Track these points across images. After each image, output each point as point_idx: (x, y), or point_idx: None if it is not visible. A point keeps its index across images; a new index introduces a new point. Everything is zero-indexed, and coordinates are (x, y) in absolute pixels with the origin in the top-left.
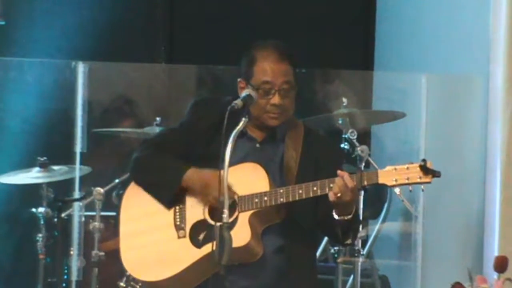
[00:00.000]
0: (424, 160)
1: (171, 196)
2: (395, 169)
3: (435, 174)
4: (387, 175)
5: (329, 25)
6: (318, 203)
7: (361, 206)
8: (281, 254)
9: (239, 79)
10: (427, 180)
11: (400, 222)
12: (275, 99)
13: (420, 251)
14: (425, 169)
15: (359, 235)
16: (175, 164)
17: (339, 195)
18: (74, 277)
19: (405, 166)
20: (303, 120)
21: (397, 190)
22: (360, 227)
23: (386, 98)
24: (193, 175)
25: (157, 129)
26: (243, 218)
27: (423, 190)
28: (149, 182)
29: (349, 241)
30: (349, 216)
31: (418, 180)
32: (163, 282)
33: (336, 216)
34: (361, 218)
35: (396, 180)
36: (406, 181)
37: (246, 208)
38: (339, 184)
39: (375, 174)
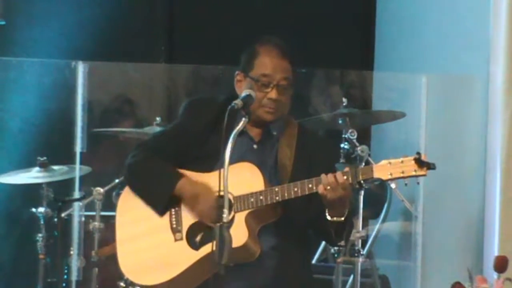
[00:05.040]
0: (418, 153)
1: (163, 203)
2: (390, 163)
3: (429, 166)
4: (382, 169)
5: (329, 25)
6: (312, 203)
7: (361, 206)
8: (277, 253)
9: (237, 72)
10: (422, 173)
11: (400, 222)
12: (273, 94)
13: (420, 251)
14: (420, 162)
15: (358, 235)
16: (168, 172)
17: (328, 187)
18: (74, 277)
19: (400, 160)
20: (303, 120)
21: (393, 184)
22: (361, 225)
23: (386, 98)
24: (185, 184)
25: (157, 129)
26: (240, 218)
27: (418, 183)
28: (142, 189)
29: (342, 242)
30: (342, 218)
31: (413, 173)
32: (161, 285)
33: (328, 217)
34: (361, 217)
35: (391, 174)
36: (401, 175)
37: (242, 208)
38: (330, 178)
39: (370, 168)
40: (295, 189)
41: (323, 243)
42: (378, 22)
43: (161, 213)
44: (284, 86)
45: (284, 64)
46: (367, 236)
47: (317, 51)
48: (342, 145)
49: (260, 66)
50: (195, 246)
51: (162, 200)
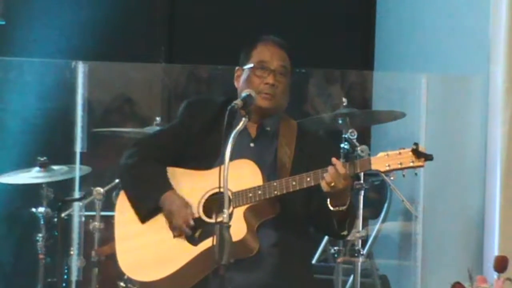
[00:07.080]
0: (416, 144)
1: (145, 213)
2: (387, 155)
3: (427, 157)
4: (379, 161)
5: (329, 25)
6: (312, 197)
7: (361, 206)
8: (276, 250)
9: (236, 68)
10: (420, 164)
11: (400, 222)
12: (270, 79)
13: (420, 251)
14: (417, 153)
15: (359, 235)
16: (157, 182)
17: (332, 184)
18: (74, 277)
19: (397, 152)
20: (304, 120)
21: (391, 177)
22: (361, 225)
23: (386, 98)
24: (167, 199)
25: (157, 129)
26: (238, 213)
27: (416, 174)
28: (130, 194)
29: (345, 233)
30: (344, 207)
31: (411, 165)
32: (161, 281)
33: (331, 207)
34: (361, 217)
35: (389, 166)
36: (399, 166)
37: (241, 203)
38: (331, 172)
39: (368, 161)
40: (293, 183)
41: (323, 243)
42: (378, 22)
43: (142, 221)
44: (281, 72)
45: (281, 53)
46: (367, 236)
47: (317, 51)
48: (342, 145)
49: (257, 55)
50: (194, 242)
51: (145, 210)
